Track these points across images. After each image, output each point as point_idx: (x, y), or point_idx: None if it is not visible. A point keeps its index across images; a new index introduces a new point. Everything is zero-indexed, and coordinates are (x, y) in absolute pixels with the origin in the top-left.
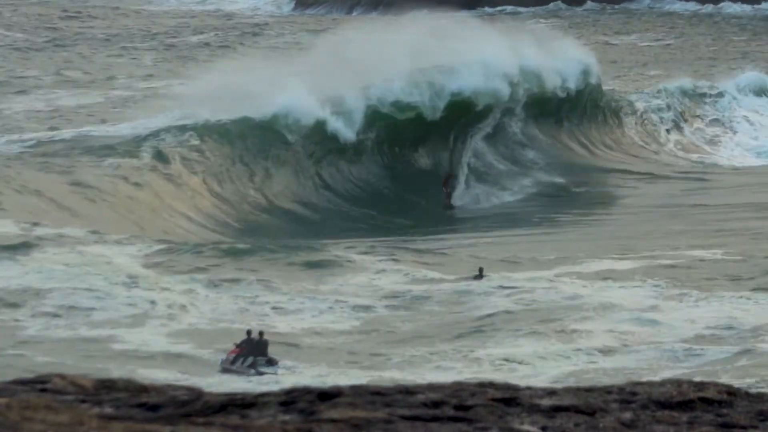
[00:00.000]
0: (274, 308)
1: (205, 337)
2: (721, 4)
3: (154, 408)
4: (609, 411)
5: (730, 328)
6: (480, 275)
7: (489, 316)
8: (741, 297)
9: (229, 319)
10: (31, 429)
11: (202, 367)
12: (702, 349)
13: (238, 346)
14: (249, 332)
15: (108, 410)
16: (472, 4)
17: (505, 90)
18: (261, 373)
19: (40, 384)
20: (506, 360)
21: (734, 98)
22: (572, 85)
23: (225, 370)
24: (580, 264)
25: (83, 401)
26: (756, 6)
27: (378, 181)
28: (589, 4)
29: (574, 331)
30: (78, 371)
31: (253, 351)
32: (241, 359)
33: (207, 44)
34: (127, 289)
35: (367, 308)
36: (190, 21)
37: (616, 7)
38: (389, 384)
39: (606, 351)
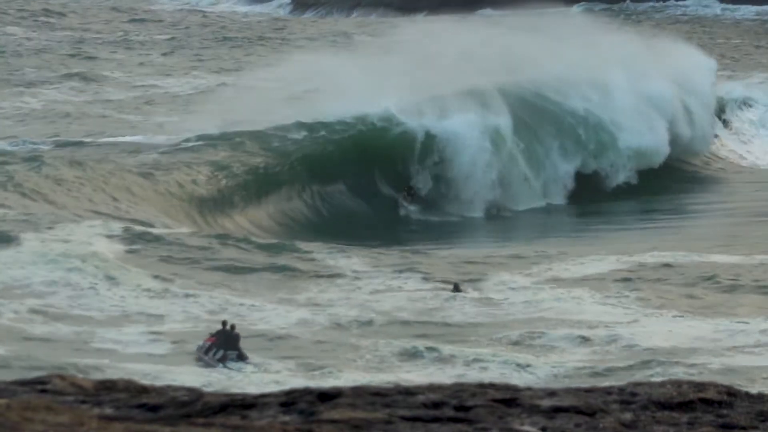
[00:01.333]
0: (250, 307)
1: (182, 332)
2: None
3: (154, 409)
4: (609, 412)
5: None
6: (456, 289)
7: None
8: None
9: (206, 316)
10: (32, 430)
11: (176, 357)
12: None
13: (213, 335)
14: (224, 323)
15: (108, 411)
16: (473, 7)
17: None
18: (228, 368)
19: (40, 385)
20: (475, 360)
21: None
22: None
23: (199, 359)
24: None
25: (83, 402)
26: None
27: None
28: (585, 7)
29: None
30: (54, 365)
31: (226, 343)
32: (214, 350)
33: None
34: (107, 285)
35: (339, 312)
36: (206, 21)
37: (615, 7)
38: (389, 385)
39: None
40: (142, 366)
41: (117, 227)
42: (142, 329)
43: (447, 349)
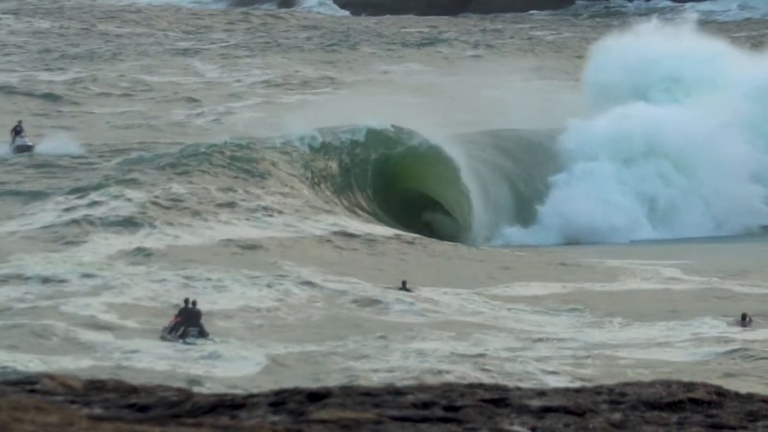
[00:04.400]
0: (214, 286)
1: (146, 310)
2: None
3: (144, 409)
4: (598, 412)
5: None
6: (404, 287)
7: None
8: None
9: (170, 295)
10: (21, 430)
11: (141, 333)
12: None
13: (177, 315)
14: (186, 301)
15: (97, 411)
16: (456, 11)
17: None
18: (189, 344)
19: (29, 385)
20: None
21: None
22: None
23: (163, 338)
24: None
25: (73, 402)
26: None
27: None
28: (579, 5)
29: None
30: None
31: (188, 320)
32: (179, 328)
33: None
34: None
35: (297, 292)
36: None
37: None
38: (379, 385)
39: None
40: (103, 337)
41: None
42: (107, 302)
43: None
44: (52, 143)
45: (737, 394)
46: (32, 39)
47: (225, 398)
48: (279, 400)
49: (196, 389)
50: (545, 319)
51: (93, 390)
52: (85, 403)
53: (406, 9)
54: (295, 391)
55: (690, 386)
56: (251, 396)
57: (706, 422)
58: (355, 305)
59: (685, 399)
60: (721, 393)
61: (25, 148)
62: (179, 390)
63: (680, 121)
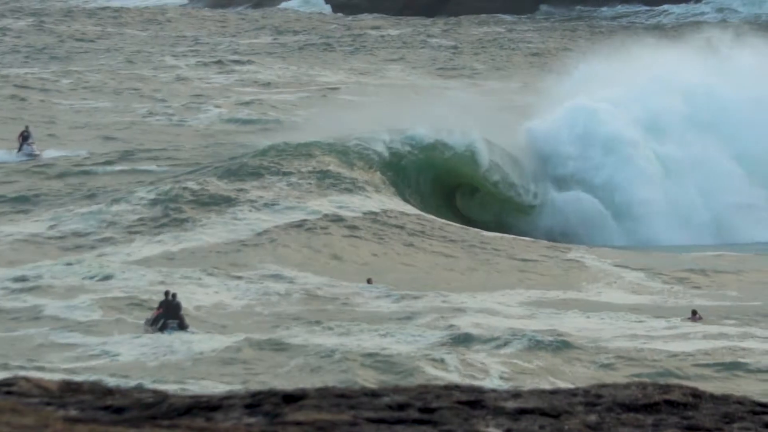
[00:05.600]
0: (195, 283)
1: (129, 304)
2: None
3: (119, 410)
4: (574, 413)
5: None
6: (369, 283)
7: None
8: None
9: (153, 289)
10: None
11: (125, 328)
12: None
13: (158, 307)
14: (167, 293)
15: (73, 413)
16: (432, 12)
17: None
18: (167, 335)
19: (5, 387)
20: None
21: None
22: None
23: (146, 331)
24: None
25: (48, 404)
26: None
27: None
28: (544, 9)
29: None
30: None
31: (167, 312)
32: (160, 320)
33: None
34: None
35: (272, 291)
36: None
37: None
38: (355, 386)
39: None
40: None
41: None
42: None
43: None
44: (57, 150)
45: (713, 396)
46: None
47: (200, 400)
48: (254, 402)
49: (171, 390)
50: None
51: (68, 392)
52: (60, 404)
53: (383, 9)
54: (271, 393)
55: (666, 388)
56: (227, 398)
57: (681, 424)
58: None
59: (660, 401)
60: (696, 395)
61: (32, 156)
62: (155, 392)
63: None
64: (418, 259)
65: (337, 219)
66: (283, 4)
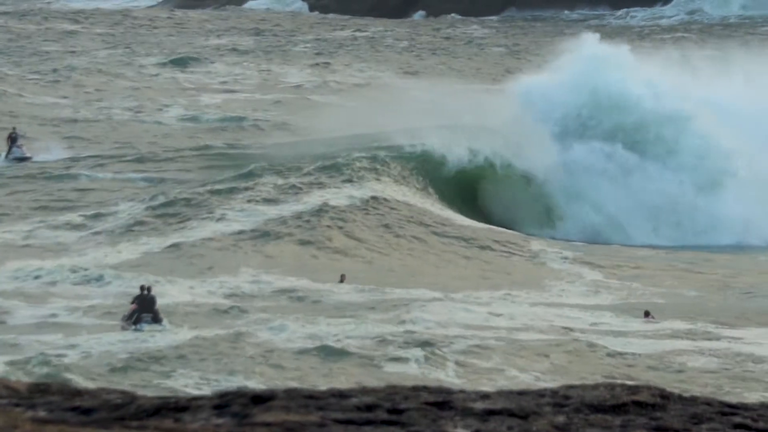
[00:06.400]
0: (169, 281)
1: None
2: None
3: (88, 411)
4: (542, 414)
5: None
6: (341, 281)
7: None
8: None
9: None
10: None
11: (98, 328)
12: None
13: (132, 302)
14: (142, 288)
15: (42, 414)
16: (402, 13)
17: None
18: (139, 330)
19: None
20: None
21: None
22: None
23: (122, 328)
24: None
25: (17, 405)
26: None
27: None
28: (509, 12)
29: None
30: None
31: (143, 306)
32: (133, 315)
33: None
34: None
35: (243, 289)
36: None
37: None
38: (323, 388)
39: None
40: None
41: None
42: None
43: None
44: (47, 153)
45: (681, 397)
46: None
47: (169, 401)
48: (223, 403)
49: (139, 386)
50: None
51: (37, 393)
52: (29, 405)
53: (351, 11)
54: (239, 394)
55: (634, 389)
56: (195, 399)
57: (650, 425)
58: None
59: (629, 402)
60: (665, 396)
61: (22, 160)
62: (123, 393)
63: None
64: (392, 257)
65: (315, 218)
66: (250, 4)
